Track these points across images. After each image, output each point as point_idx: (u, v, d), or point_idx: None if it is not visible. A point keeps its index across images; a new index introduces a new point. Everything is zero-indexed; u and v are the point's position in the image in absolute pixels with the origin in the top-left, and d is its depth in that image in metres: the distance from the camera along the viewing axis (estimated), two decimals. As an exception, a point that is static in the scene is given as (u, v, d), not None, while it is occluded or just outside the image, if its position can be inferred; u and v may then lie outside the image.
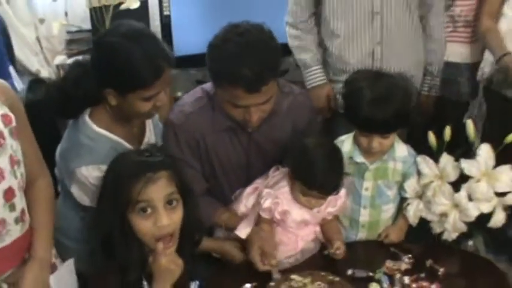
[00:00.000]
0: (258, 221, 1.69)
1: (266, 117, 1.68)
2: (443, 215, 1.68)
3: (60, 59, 2.94)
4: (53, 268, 1.51)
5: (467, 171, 1.61)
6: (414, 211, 1.74)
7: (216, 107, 1.68)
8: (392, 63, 2.08)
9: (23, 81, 2.81)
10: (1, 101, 1.33)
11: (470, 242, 1.79)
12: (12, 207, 1.34)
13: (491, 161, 1.60)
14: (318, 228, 1.76)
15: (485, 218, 1.67)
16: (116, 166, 1.43)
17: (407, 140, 1.86)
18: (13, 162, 1.34)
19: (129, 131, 1.64)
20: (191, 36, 3.06)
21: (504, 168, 1.60)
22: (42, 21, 2.98)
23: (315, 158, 1.62)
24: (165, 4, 2.95)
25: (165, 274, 1.38)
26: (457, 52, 2.35)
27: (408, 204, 1.76)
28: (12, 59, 2.69)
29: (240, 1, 2.99)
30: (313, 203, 1.67)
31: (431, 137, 1.73)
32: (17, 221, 1.35)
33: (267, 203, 1.65)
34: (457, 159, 1.68)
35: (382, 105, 1.62)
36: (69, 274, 1.52)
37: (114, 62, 1.48)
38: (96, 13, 2.78)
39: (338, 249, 1.67)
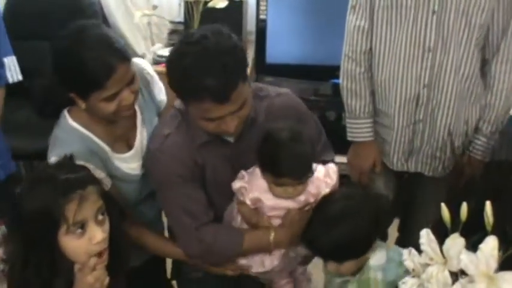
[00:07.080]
0: None
1: (245, 126, 1.51)
2: (435, 309, 1.36)
3: (156, 47, 3.03)
4: None
5: (463, 266, 1.27)
6: (405, 292, 1.45)
7: (192, 122, 1.52)
8: (438, 113, 1.72)
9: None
10: None
11: None
12: None
13: (494, 262, 1.24)
14: None
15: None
16: (36, 188, 1.28)
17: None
18: None
19: (110, 133, 1.58)
20: (286, 45, 2.91)
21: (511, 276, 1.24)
22: (155, 7, 3.08)
23: (277, 142, 1.48)
24: (262, 7, 2.85)
25: None
26: None
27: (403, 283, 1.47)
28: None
29: (342, 12, 2.78)
30: (291, 192, 1.52)
31: (445, 212, 1.40)
32: None
33: (237, 184, 1.56)
34: (474, 246, 1.35)
35: (324, 228, 1.48)
36: None
37: (65, 68, 1.43)
38: (188, 7, 2.79)
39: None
